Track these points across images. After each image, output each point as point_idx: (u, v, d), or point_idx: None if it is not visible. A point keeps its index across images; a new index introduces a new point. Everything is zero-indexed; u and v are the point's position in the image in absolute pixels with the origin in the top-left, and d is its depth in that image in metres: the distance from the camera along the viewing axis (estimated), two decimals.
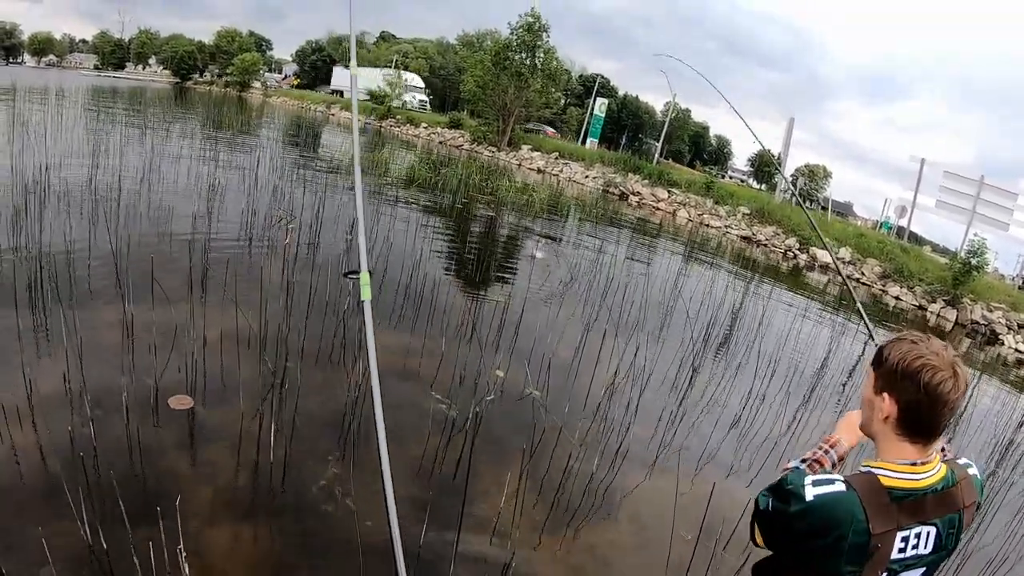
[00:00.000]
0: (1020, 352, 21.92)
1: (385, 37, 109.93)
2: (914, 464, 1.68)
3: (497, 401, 5.98)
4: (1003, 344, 22.33)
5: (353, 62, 3.15)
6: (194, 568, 3.17)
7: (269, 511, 3.84)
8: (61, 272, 6.41)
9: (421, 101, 70.39)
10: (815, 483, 1.67)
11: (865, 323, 2.92)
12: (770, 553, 1.85)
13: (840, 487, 1.64)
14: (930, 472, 1.69)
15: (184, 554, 3.06)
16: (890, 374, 1.70)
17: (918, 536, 1.67)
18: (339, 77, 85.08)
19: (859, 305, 3.37)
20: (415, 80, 74.52)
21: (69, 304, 5.71)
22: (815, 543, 1.64)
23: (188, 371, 4.91)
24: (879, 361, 1.76)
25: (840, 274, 3.39)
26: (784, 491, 1.69)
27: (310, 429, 4.81)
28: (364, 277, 2.46)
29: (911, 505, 1.66)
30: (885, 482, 1.66)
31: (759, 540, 1.78)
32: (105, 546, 3.17)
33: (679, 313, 10.64)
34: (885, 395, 1.70)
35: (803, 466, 1.99)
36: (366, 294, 2.42)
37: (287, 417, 4.83)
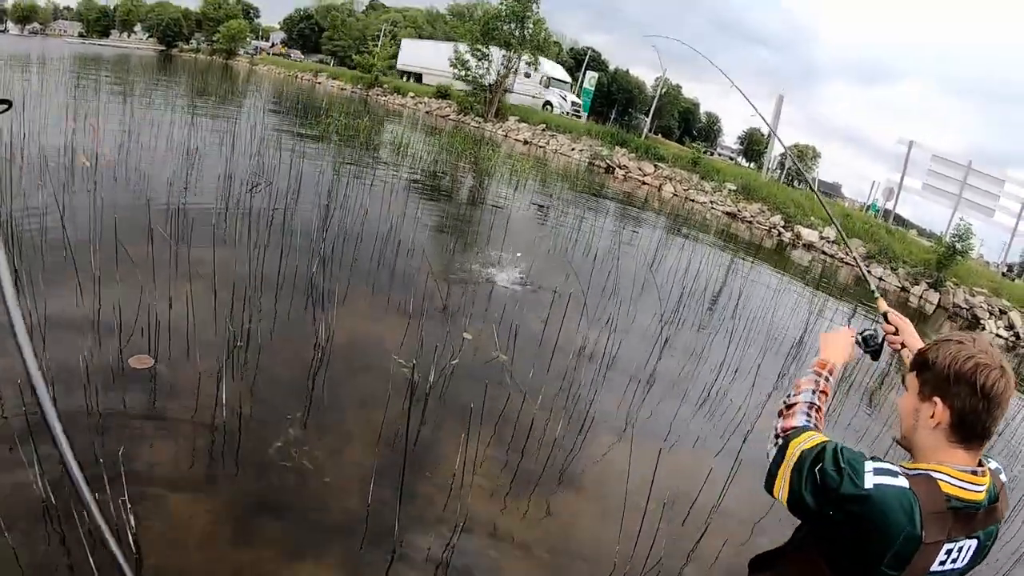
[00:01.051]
0: (1001, 336, 22.18)
1: (374, 6, 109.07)
2: (974, 472, 1.62)
3: (464, 366, 5.83)
4: (984, 328, 22.54)
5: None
6: (146, 526, 3.17)
7: (225, 470, 3.81)
8: (31, 236, 6.30)
9: (574, 104, 54.85)
10: (876, 471, 1.57)
11: (871, 285, 2.87)
12: (767, 550, 1.84)
13: (903, 482, 1.55)
14: (985, 484, 1.63)
15: (130, 507, 3.04)
16: (940, 378, 1.63)
17: (960, 549, 1.62)
18: (411, 54, 64.80)
19: (865, 271, 3.37)
20: (555, 70, 56.93)
21: (39, 266, 5.65)
22: (861, 534, 1.55)
23: (151, 332, 4.87)
24: (924, 365, 1.70)
25: (846, 243, 3.31)
26: (838, 465, 1.59)
27: (271, 389, 4.79)
28: None
29: (965, 517, 1.59)
30: (945, 488, 1.58)
31: (781, 493, 1.68)
32: (55, 502, 3.15)
33: (654, 285, 10.56)
34: (937, 400, 1.63)
35: (808, 401, 1.91)
36: None
37: (248, 377, 4.80)
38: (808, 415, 1.86)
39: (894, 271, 26.29)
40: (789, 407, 1.91)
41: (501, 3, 45.23)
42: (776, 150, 49.79)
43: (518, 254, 9.97)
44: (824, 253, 28.11)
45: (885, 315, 2.38)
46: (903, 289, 25.14)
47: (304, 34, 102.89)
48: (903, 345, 2.26)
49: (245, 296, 5.81)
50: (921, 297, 24.47)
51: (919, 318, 20.59)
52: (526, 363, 6.18)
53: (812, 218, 30.83)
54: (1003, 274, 35.99)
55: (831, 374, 2.02)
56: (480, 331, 6.71)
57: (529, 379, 5.89)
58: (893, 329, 2.31)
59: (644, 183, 33.50)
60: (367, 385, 5.26)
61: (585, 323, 7.61)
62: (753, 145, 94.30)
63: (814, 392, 1.93)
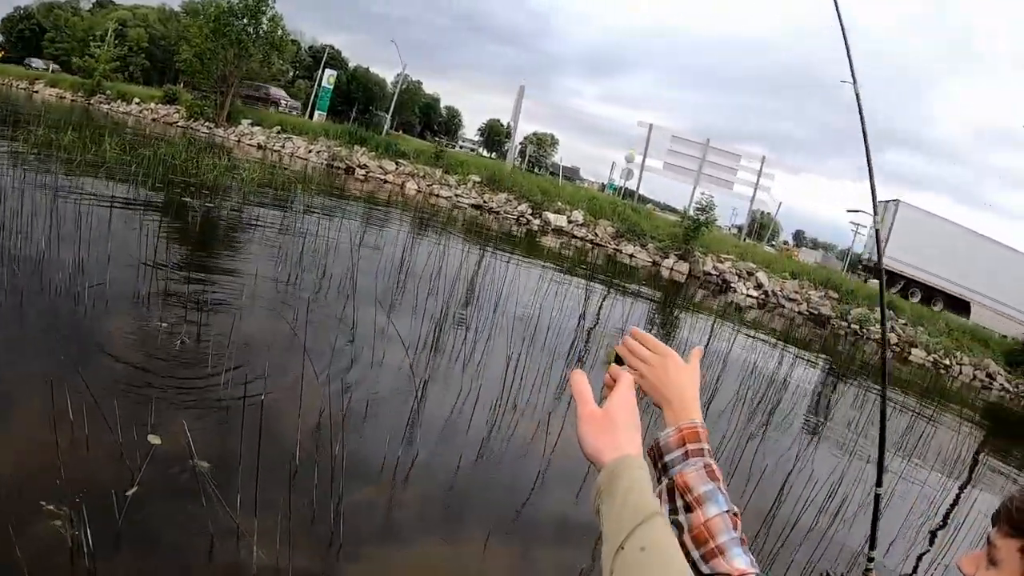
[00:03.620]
0: (752, 296, 23.77)
1: (102, 3, 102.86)
2: None
3: (148, 491, 4.07)
4: (735, 292, 24.11)
5: None
6: None
7: None
8: None
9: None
10: None
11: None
12: None
13: None
14: None
15: None
16: None
17: None
18: None
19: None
20: None
21: None
22: None
23: None
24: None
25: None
26: None
27: None
28: None
29: None
30: None
31: None
32: None
33: (409, 293, 10.06)
34: None
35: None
36: None
37: None
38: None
39: (644, 247, 27.45)
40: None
41: None
42: (517, 139, 50.58)
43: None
44: (575, 236, 28.51)
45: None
46: (654, 263, 26.30)
47: (24, 36, 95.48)
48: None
49: None
50: (672, 269, 25.64)
51: (673, 289, 21.05)
52: (238, 452, 4.30)
53: (558, 203, 31.17)
54: (734, 235, 39.02)
55: (701, 441, 1.26)
56: (171, 429, 4.73)
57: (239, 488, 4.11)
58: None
59: (386, 182, 32.96)
60: (11, 566, 3.22)
61: (321, 382, 6.31)
62: (494, 136, 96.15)
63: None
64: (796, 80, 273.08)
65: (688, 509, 1.18)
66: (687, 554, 1.12)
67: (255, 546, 3.78)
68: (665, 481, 1.23)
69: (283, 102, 56.69)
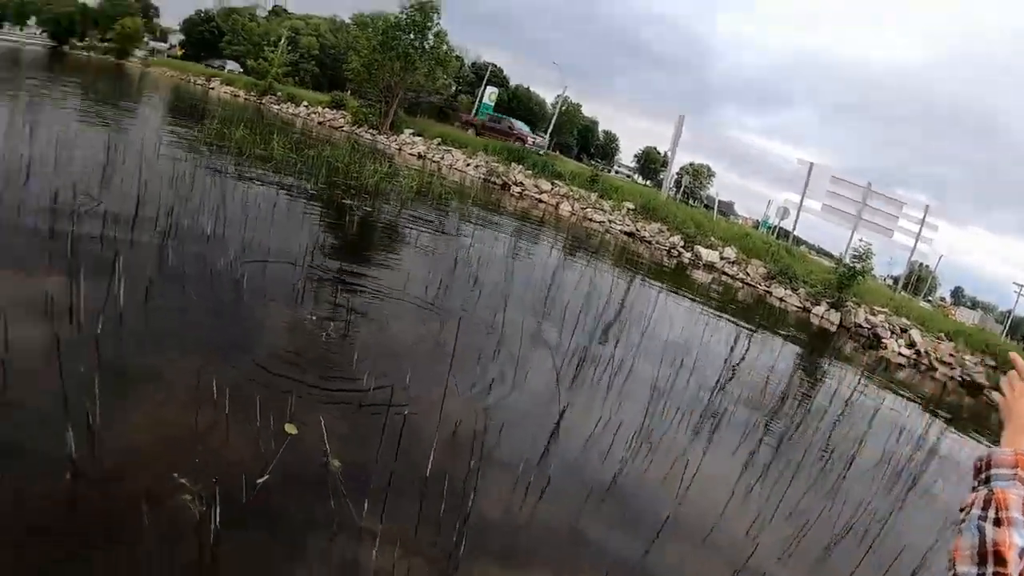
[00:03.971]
0: (903, 355, 22.43)
1: (277, 11, 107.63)
2: None
3: (280, 479, 4.09)
4: (886, 348, 22.92)
5: None
6: None
7: None
8: None
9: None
10: None
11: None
12: None
13: None
14: None
15: None
16: None
17: None
18: None
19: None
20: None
21: None
22: None
23: None
24: None
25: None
26: None
27: None
28: None
29: None
30: None
31: None
32: None
33: (557, 312, 9.89)
34: None
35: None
36: None
37: None
38: None
39: (795, 291, 26.47)
40: None
41: (401, 12, 44.36)
42: (674, 168, 49.99)
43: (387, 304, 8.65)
44: (725, 273, 27.84)
45: None
46: (804, 309, 25.32)
47: (204, 37, 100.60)
48: None
49: None
50: (822, 317, 24.63)
51: (821, 337, 20.22)
52: (372, 457, 4.58)
53: (712, 238, 30.54)
54: (889, 287, 37.18)
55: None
56: (308, 422, 4.70)
57: (372, 486, 4.27)
58: None
59: (541, 201, 32.88)
60: (136, 533, 3.37)
61: (463, 394, 6.21)
62: (650, 163, 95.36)
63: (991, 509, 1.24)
64: (964, 120, 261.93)
65: (997, 523, 1.19)
66: (978, 562, 1.16)
67: (375, 549, 3.76)
68: (984, 490, 1.28)
69: (529, 139, 49.04)
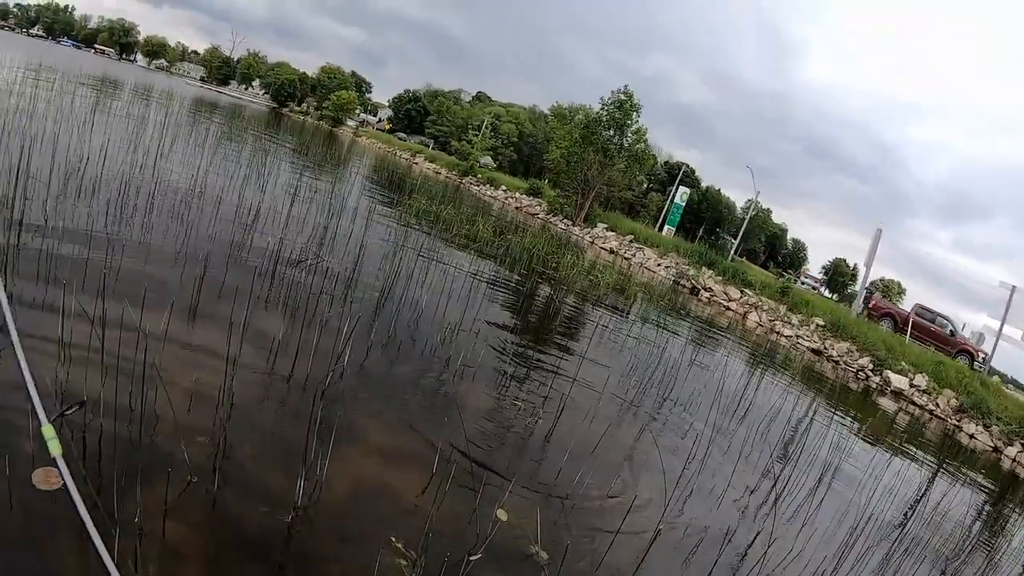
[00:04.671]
0: None
1: (480, 97, 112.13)
2: None
3: (488, 561, 4.01)
4: None
5: None
6: None
7: None
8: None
9: None
10: None
11: None
12: None
13: None
14: None
15: None
16: None
17: None
18: None
19: None
20: None
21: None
22: None
23: None
24: None
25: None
26: None
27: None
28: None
29: None
30: None
31: None
32: None
33: (748, 430, 9.39)
34: None
35: None
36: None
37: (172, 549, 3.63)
38: None
39: (987, 428, 24.65)
40: None
41: (602, 108, 45.23)
42: (863, 283, 48.43)
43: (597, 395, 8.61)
44: (913, 403, 26.54)
45: None
46: (995, 449, 23.50)
47: (410, 115, 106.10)
48: None
49: (218, 406, 4.55)
50: (1015, 460, 22.85)
51: (1012, 481, 18.91)
52: (575, 561, 4.39)
53: (903, 363, 29.27)
54: None
55: None
56: (521, 507, 4.77)
57: None
58: None
59: (728, 308, 32.36)
60: None
61: (660, 499, 6.08)
62: (838, 275, 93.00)
63: None
64: None
65: None
66: None
67: None
68: None
69: (980, 354, 37.04)
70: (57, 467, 2.84)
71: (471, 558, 3.84)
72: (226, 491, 3.70)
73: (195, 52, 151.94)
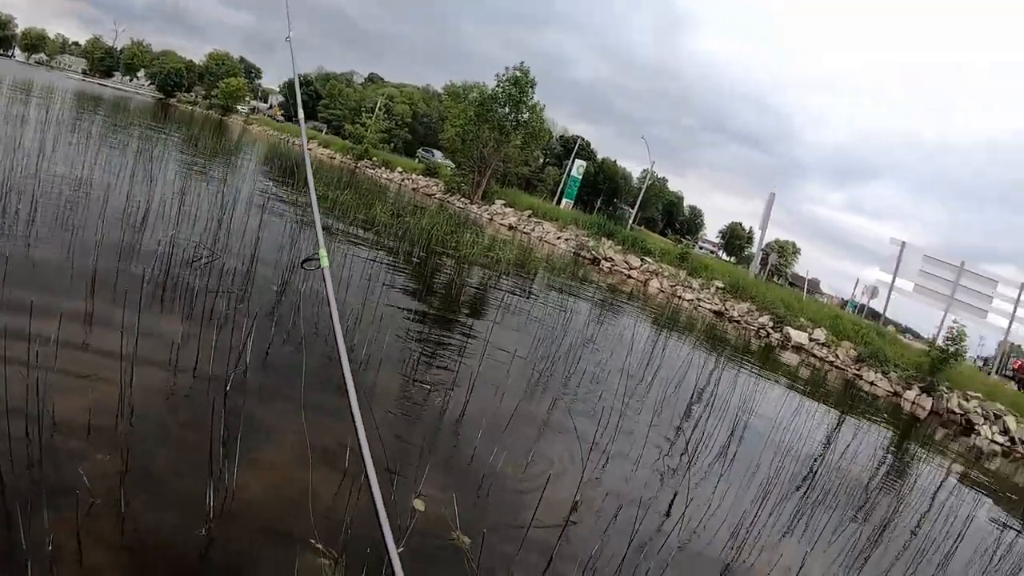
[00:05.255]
0: (996, 442, 21.61)
1: (373, 79, 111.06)
2: None
3: (410, 551, 3.99)
4: (979, 434, 22.07)
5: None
6: None
7: None
8: None
9: None
10: None
11: None
12: None
13: None
14: None
15: None
16: None
17: None
18: None
19: None
20: None
21: None
22: None
23: None
24: None
25: None
26: None
27: None
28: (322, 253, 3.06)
29: None
30: None
31: None
32: None
33: (656, 392, 9.59)
34: None
35: None
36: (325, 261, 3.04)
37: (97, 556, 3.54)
38: None
39: (885, 375, 25.74)
40: None
41: (497, 86, 45.21)
42: (759, 246, 49.74)
43: (505, 375, 8.63)
44: (813, 355, 27.36)
45: None
46: (895, 394, 24.55)
47: (302, 100, 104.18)
48: None
49: (118, 417, 4.36)
50: (913, 402, 23.88)
51: (911, 424, 19.61)
52: (497, 542, 4.45)
53: (801, 319, 30.11)
54: (979, 368, 36.06)
55: None
56: (438, 496, 4.74)
57: (497, 564, 4.22)
58: None
59: (630, 277, 32.89)
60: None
61: (577, 470, 6.10)
62: (734, 239, 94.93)
63: None
64: None
65: None
66: None
67: None
68: None
69: None
70: None
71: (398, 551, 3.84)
72: (136, 507, 3.59)
73: (76, 44, 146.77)
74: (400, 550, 3.82)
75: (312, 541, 3.76)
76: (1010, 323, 35.53)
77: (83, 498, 3.47)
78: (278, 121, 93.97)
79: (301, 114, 4.99)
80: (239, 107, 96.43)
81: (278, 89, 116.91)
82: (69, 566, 3.08)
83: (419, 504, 4.51)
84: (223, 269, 8.40)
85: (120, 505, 3.55)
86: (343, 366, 2.36)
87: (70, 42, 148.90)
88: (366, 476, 2.20)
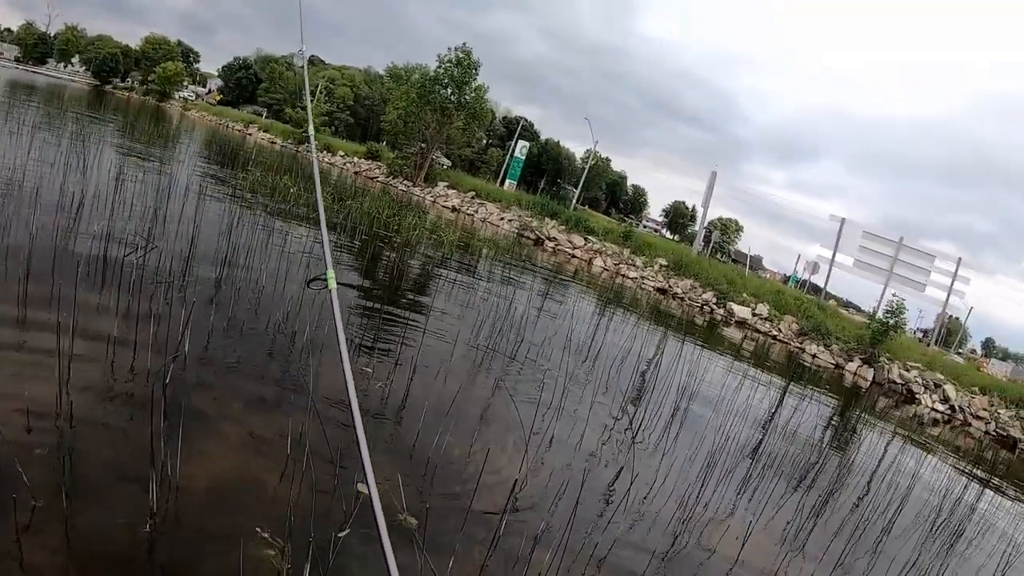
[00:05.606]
0: (937, 410, 22.19)
1: (313, 61, 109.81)
2: None
3: (357, 535, 4.00)
4: (920, 403, 22.66)
5: None
6: None
7: None
8: None
9: None
10: None
11: None
12: None
13: None
14: None
15: None
16: None
17: None
18: None
19: None
20: None
21: None
22: None
23: None
24: None
25: None
26: None
27: None
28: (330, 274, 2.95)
29: None
30: None
31: None
32: None
33: (601, 370, 9.76)
34: None
35: None
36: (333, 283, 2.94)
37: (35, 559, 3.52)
38: None
39: (828, 348, 26.34)
40: None
41: (439, 67, 44.97)
42: (702, 224, 50.25)
43: (446, 359, 8.66)
44: (757, 330, 27.75)
45: None
46: (837, 366, 25.10)
47: (241, 83, 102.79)
48: None
49: (56, 415, 4.27)
50: (856, 374, 24.45)
51: (854, 394, 20.00)
52: (441, 521, 4.53)
53: (744, 295, 30.50)
54: (919, 340, 36.88)
55: None
56: (383, 477, 4.73)
57: (443, 543, 4.27)
58: None
59: (574, 256, 33.06)
60: None
61: (520, 450, 6.12)
62: (678, 218, 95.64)
63: None
64: (987, 170, 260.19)
65: None
66: None
67: None
68: None
69: None
70: None
71: (339, 535, 3.87)
72: (78, 507, 3.55)
73: (8, 30, 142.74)
74: (346, 532, 3.89)
75: (258, 530, 3.76)
76: (947, 295, 36.39)
77: (24, 499, 3.45)
78: (213, 105, 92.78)
79: (312, 130, 4.93)
80: (177, 92, 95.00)
81: (216, 73, 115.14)
82: (10, 569, 3.08)
83: (364, 488, 4.49)
84: (160, 256, 8.33)
85: (64, 505, 3.53)
86: (346, 375, 2.42)
87: (2, 28, 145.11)
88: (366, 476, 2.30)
